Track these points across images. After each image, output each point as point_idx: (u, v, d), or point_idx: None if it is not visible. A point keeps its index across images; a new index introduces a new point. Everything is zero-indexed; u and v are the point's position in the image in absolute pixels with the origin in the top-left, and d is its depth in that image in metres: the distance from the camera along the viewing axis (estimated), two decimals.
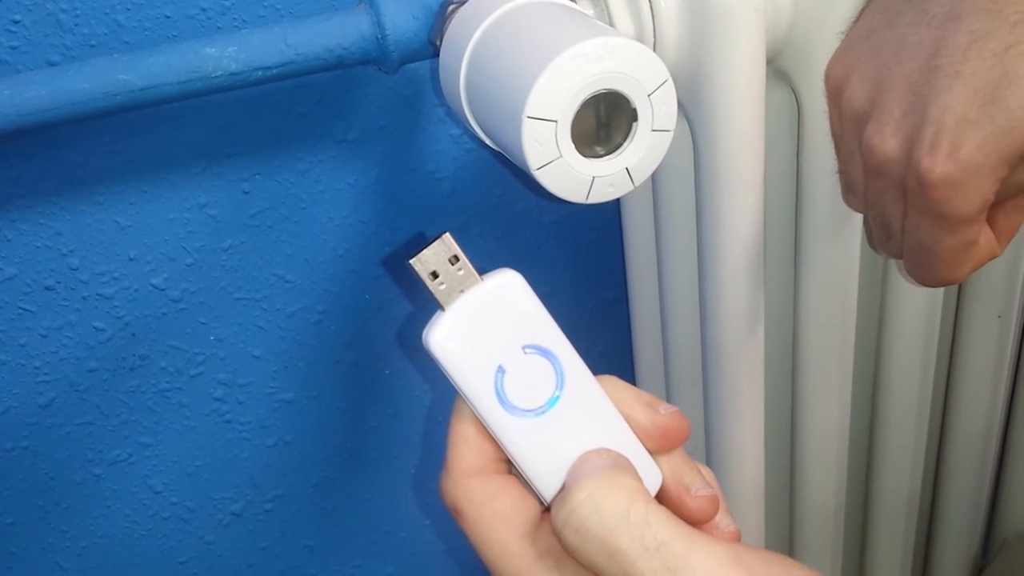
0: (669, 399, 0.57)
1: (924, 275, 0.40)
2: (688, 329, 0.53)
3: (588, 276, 0.60)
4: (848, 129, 0.40)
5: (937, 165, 0.35)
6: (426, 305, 0.30)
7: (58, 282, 0.48)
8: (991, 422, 0.63)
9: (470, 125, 0.40)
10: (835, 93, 0.40)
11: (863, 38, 0.39)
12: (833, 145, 0.43)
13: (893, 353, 0.56)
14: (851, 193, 0.42)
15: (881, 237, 0.41)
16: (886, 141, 0.37)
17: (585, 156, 0.36)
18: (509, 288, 0.31)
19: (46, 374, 0.50)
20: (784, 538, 0.63)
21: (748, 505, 0.55)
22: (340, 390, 0.58)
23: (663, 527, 0.27)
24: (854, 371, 0.55)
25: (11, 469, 0.52)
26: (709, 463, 0.54)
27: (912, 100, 0.36)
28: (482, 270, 0.31)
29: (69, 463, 0.53)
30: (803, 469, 0.58)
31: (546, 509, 0.32)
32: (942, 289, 0.55)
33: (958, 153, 0.35)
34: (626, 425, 0.32)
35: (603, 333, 0.62)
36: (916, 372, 0.57)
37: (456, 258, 0.30)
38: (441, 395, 0.60)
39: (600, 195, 0.37)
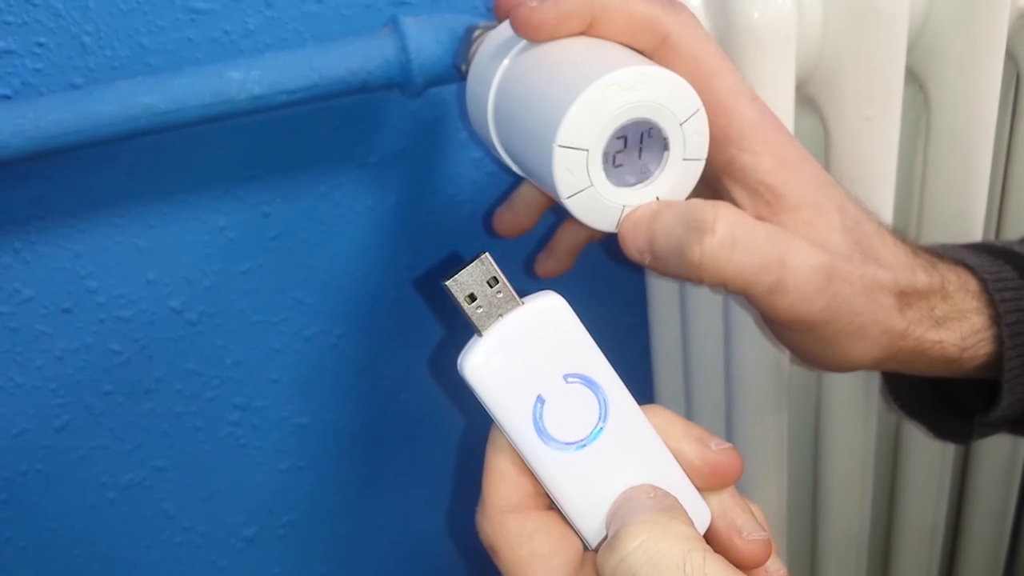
0: None
1: None
2: (711, 356, 0.52)
3: (608, 300, 0.60)
4: None
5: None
6: (457, 329, 0.29)
7: (76, 304, 0.47)
8: (1016, 453, 0.62)
9: (497, 151, 0.39)
10: None
11: None
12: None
13: None
14: None
15: None
16: None
17: (616, 185, 0.35)
18: (552, 313, 0.29)
19: (62, 397, 0.49)
20: (806, 570, 0.62)
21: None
22: (356, 415, 0.57)
23: None
24: (879, 400, 0.54)
25: (25, 492, 0.51)
26: None
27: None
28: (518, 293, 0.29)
29: (83, 486, 0.52)
30: (827, 499, 0.57)
31: (587, 549, 0.30)
32: None
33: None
34: (674, 461, 0.30)
35: (622, 358, 0.61)
36: None
37: (495, 280, 0.29)
38: (462, 421, 0.60)
39: None
